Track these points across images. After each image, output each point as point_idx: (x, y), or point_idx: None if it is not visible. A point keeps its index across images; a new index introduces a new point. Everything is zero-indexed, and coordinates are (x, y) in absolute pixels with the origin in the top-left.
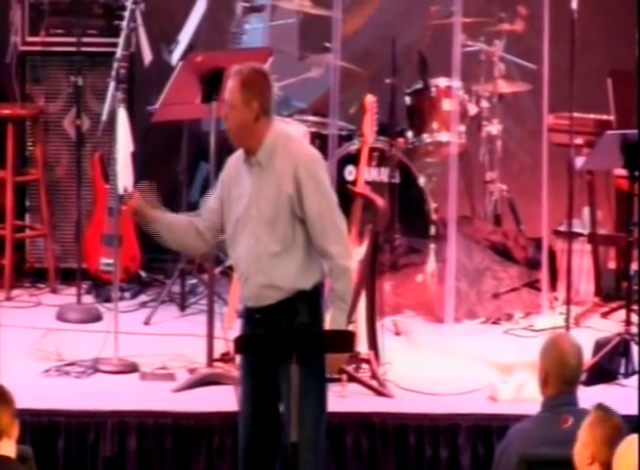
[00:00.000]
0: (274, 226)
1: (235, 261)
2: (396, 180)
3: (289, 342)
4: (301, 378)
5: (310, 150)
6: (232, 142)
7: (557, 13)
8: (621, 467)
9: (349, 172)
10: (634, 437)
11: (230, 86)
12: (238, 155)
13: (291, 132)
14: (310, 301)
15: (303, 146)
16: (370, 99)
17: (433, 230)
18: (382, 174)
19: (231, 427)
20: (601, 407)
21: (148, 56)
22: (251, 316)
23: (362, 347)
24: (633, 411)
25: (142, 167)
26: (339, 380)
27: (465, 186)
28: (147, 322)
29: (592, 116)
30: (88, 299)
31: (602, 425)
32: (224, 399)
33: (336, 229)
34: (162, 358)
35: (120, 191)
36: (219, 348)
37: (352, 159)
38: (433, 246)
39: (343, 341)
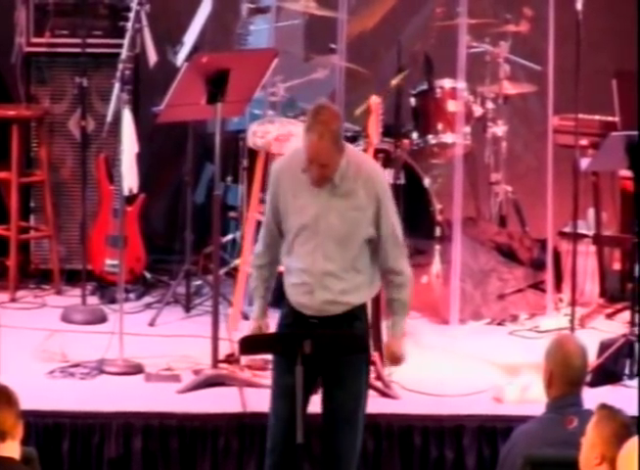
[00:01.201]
0: (345, 246)
1: (293, 269)
2: (401, 181)
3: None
4: (342, 378)
5: (379, 166)
6: (317, 182)
7: (562, 14)
8: (623, 468)
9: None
10: (636, 439)
11: (317, 148)
12: (290, 166)
13: (351, 146)
14: (365, 309)
15: (372, 162)
16: (375, 100)
17: (438, 231)
18: (387, 175)
19: (236, 428)
20: (605, 407)
21: (153, 57)
22: (304, 319)
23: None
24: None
25: (147, 169)
26: None
27: (470, 187)
28: (152, 323)
29: (597, 117)
30: (93, 300)
31: (609, 423)
32: (229, 401)
33: (404, 246)
34: (167, 360)
35: (125, 192)
36: (224, 349)
37: None
38: (438, 247)
39: (356, 343)
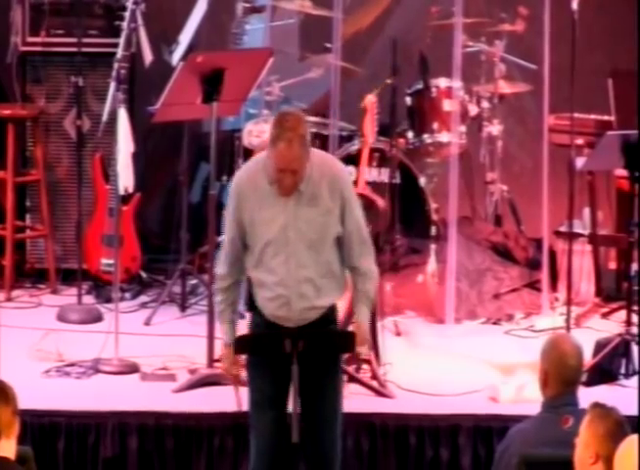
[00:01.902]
0: (317, 250)
1: (265, 283)
2: (397, 181)
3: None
4: (321, 378)
5: (341, 165)
6: (288, 190)
7: (558, 13)
8: (622, 468)
9: (350, 173)
10: (634, 437)
11: (288, 154)
12: (252, 178)
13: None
14: (336, 310)
15: (335, 162)
16: (371, 99)
17: (433, 231)
18: (382, 175)
19: (232, 428)
20: (598, 405)
21: (148, 56)
22: (278, 329)
23: (363, 347)
24: (634, 412)
25: (143, 168)
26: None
27: (465, 187)
28: (147, 323)
29: (593, 116)
30: (89, 299)
31: (602, 421)
32: (225, 400)
33: (369, 243)
34: (163, 359)
35: (121, 191)
36: (220, 348)
37: (353, 159)
38: (433, 246)
39: (346, 341)
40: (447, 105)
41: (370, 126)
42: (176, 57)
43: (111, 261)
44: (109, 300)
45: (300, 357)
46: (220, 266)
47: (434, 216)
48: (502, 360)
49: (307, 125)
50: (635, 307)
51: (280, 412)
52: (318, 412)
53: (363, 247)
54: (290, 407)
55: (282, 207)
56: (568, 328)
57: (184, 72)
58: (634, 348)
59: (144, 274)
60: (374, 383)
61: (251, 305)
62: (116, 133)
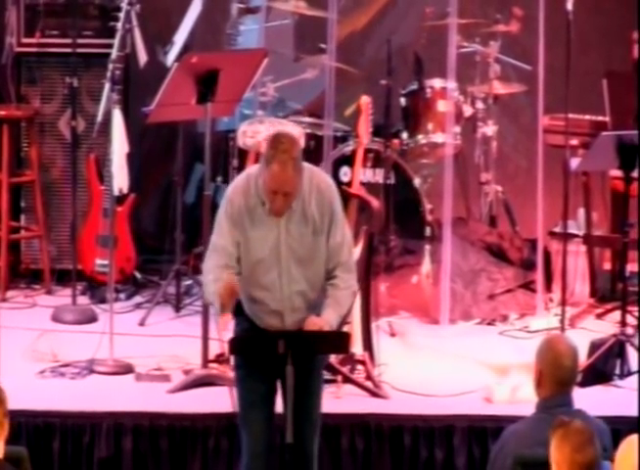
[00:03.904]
0: (309, 267)
1: (257, 299)
2: (391, 181)
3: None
4: (307, 378)
5: (328, 177)
6: (280, 211)
7: (552, 14)
8: (622, 468)
9: (344, 173)
10: (634, 437)
11: (282, 176)
12: (245, 195)
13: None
14: None
15: (323, 175)
16: (365, 100)
17: (428, 231)
18: (377, 175)
19: (226, 428)
20: (559, 425)
21: (143, 57)
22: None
23: (357, 348)
24: (628, 412)
25: (137, 169)
26: (334, 381)
27: (460, 187)
28: (142, 323)
29: (587, 117)
30: (83, 300)
31: (565, 443)
32: (219, 401)
33: (351, 261)
34: (158, 359)
35: (116, 192)
36: (214, 349)
37: (347, 160)
38: (428, 247)
39: (339, 342)
40: (442, 105)
41: (364, 127)
42: (171, 58)
43: (105, 262)
44: (103, 300)
45: (292, 358)
46: (209, 263)
47: (429, 217)
48: (497, 361)
49: (300, 146)
50: (629, 308)
51: (271, 411)
52: (303, 412)
53: (343, 260)
54: (279, 407)
55: (274, 225)
56: (562, 329)
57: (178, 73)
58: (629, 348)
59: (138, 275)
60: (368, 384)
61: (238, 310)
62: (111, 134)
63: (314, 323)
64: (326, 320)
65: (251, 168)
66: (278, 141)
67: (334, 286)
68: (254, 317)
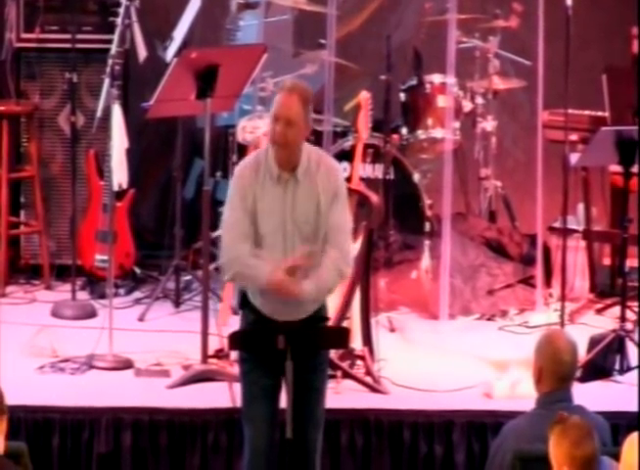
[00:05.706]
0: (312, 243)
1: None
2: (391, 177)
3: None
4: (311, 374)
5: (336, 162)
6: (277, 160)
7: (552, 9)
8: (623, 467)
9: (344, 169)
10: (634, 436)
11: (286, 102)
12: (253, 168)
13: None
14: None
15: (331, 159)
16: (364, 95)
17: (427, 227)
18: (376, 171)
19: (226, 424)
20: (557, 422)
21: (142, 52)
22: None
23: (357, 343)
24: (628, 408)
25: (137, 164)
26: (333, 376)
27: (459, 183)
28: (141, 319)
29: (587, 112)
30: (83, 295)
31: (563, 440)
32: (219, 396)
33: (347, 244)
34: (157, 355)
35: (115, 187)
36: (214, 344)
37: (347, 155)
38: (427, 242)
39: (339, 337)
40: (441, 101)
41: (364, 122)
42: (170, 53)
43: (105, 257)
44: (103, 296)
45: (292, 354)
46: (226, 239)
47: (428, 212)
48: (496, 356)
49: (312, 98)
50: (629, 303)
51: (274, 406)
52: (306, 408)
53: (339, 241)
54: (282, 403)
55: (280, 199)
56: (562, 324)
57: (178, 69)
58: (628, 344)
59: (138, 270)
60: (368, 379)
61: (244, 302)
62: (110, 129)
63: (288, 285)
64: (300, 289)
65: (260, 149)
66: (294, 82)
67: (323, 264)
68: (262, 304)
